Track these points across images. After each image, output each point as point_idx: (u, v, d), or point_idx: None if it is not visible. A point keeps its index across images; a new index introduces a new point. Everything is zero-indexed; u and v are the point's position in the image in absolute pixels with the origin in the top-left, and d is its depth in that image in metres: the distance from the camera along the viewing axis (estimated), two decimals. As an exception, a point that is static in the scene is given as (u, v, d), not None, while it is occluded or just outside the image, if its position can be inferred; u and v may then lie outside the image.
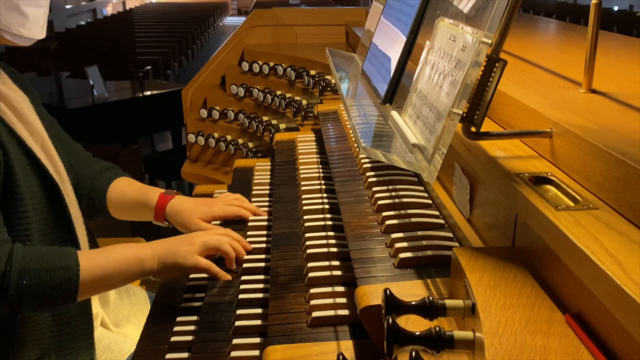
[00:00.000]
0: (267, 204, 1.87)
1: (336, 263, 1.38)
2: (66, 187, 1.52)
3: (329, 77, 2.73)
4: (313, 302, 1.24)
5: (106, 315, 1.67)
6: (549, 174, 0.97)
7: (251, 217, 1.76)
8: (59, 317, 1.44)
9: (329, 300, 1.24)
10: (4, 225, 1.33)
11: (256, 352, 1.25)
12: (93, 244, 1.66)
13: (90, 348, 1.51)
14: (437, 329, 0.78)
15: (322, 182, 1.81)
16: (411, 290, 1.07)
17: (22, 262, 1.29)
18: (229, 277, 1.48)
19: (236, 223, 1.77)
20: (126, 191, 1.75)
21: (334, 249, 1.42)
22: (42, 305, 1.34)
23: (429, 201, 1.40)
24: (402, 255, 1.16)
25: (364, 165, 1.64)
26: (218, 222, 1.81)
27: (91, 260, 1.38)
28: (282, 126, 2.80)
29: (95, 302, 1.63)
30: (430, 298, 0.84)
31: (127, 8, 20.96)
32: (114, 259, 1.42)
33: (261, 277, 1.49)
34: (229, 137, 3.21)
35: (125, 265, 1.42)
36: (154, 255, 1.45)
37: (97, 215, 1.76)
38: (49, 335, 1.42)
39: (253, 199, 1.91)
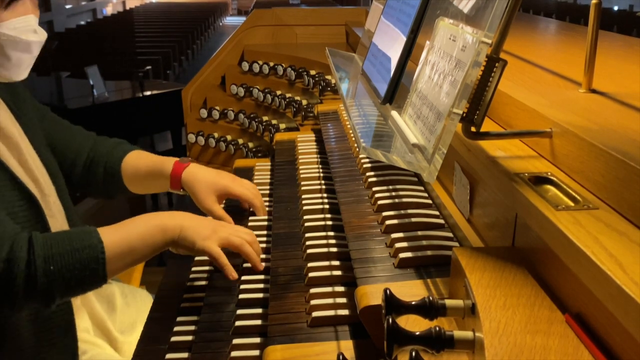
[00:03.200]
0: (267, 204, 1.87)
1: (336, 263, 1.38)
2: (47, 201, 1.48)
3: (329, 77, 2.73)
4: (313, 302, 1.24)
5: (112, 323, 1.66)
6: (549, 174, 0.97)
7: (251, 217, 1.76)
8: (41, 332, 1.41)
9: (329, 300, 1.24)
10: (9, 220, 1.30)
11: (256, 352, 1.25)
12: None
13: None
14: (437, 329, 0.78)
15: (322, 182, 1.81)
16: (411, 290, 1.07)
17: (44, 248, 1.26)
18: (235, 274, 1.43)
19: (238, 215, 1.76)
20: (140, 163, 1.74)
21: (334, 249, 1.42)
22: (72, 288, 1.31)
23: (429, 201, 1.40)
24: (402, 255, 1.16)
25: (364, 165, 1.64)
26: (222, 205, 1.80)
27: (114, 235, 1.36)
28: (282, 126, 2.80)
29: (84, 317, 1.61)
30: (430, 298, 0.84)
31: (127, 8, 20.96)
32: (136, 230, 1.39)
33: (261, 277, 1.49)
34: (229, 137, 3.21)
35: (148, 235, 1.39)
36: (176, 225, 1.42)
37: (116, 191, 1.75)
38: (30, 352, 1.39)
39: (253, 199, 1.91)
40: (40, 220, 1.41)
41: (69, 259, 1.28)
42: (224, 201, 1.82)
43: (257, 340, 1.28)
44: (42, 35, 1.44)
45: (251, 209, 1.77)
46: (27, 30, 1.39)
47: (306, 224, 1.56)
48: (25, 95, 1.60)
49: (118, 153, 1.76)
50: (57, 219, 1.50)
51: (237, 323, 1.33)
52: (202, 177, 1.69)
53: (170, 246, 1.44)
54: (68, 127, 1.76)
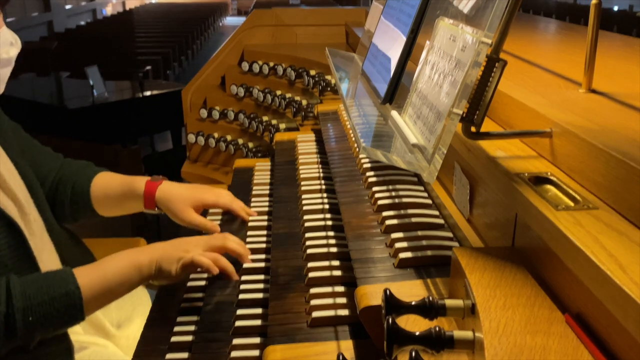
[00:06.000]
0: (267, 204, 1.88)
1: (336, 263, 1.38)
2: (28, 220, 1.45)
3: (329, 77, 2.73)
4: (313, 302, 1.24)
5: (106, 320, 1.66)
6: (549, 174, 0.97)
7: (251, 217, 1.76)
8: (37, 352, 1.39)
9: (329, 301, 1.24)
10: None
11: (256, 352, 1.25)
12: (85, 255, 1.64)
13: None
14: (437, 329, 0.78)
15: (322, 182, 1.81)
16: (411, 290, 1.07)
17: (22, 299, 1.26)
18: (216, 270, 1.47)
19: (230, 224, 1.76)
20: (110, 185, 1.71)
21: (334, 249, 1.42)
22: (52, 331, 1.33)
23: (429, 201, 1.40)
24: (402, 255, 1.16)
25: (364, 165, 1.64)
26: (218, 219, 1.81)
27: (90, 278, 1.36)
28: (282, 126, 2.80)
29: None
30: (430, 298, 0.84)
31: (127, 8, 20.96)
32: (112, 271, 1.40)
33: (261, 277, 1.49)
34: (229, 137, 3.21)
35: (124, 275, 1.41)
36: (151, 261, 1.43)
37: (84, 215, 1.72)
38: (24, 354, 1.38)
39: (253, 199, 1.91)
40: (22, 244, 1.38)
41: (48, 308, 1.28)
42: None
43: (257, 340, 1.28)
44: (19, 44, 1.43)
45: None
46: (6, 45, 1.38)
47: (306, 224, 1.56)
48: None
49: (87, 174, 1.72)
50: (37, 236, 1.47)
51: (237, 323, 1.33)
52: (177, 192, 1.69)
53: (148, 281, 1.46)
54: (38, 146, 1.72)
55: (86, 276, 1.36)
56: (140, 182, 1.71)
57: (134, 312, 1.75)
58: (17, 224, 1.37)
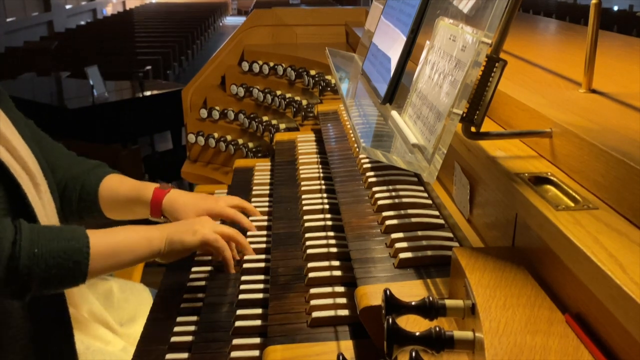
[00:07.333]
0: (267, 204, 1.88)
1: (336, 263, 1.38)
2: (39, 190, 1.44)
3: (329, 77, 2.73)
4: (313, 302, 1.24)
5: (110, 317, 1.66)
6: (549, 174, 0.97)
7: (251, 218, 1.76)
8: (36, 327, 1.39)
9: (329, 301, 1.24)
10: None
11: (256, 352, 1.25)
12: None
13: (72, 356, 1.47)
14: (437, 329, 0.78)
15: (322, 182, 1.82)
16: (411, 290, 1.07)
17: (30, 232, 1.25)
18: (220, 257, 1.49)
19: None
20: (119, 188, 1.70)
21: (334, 249, 1.42)
22: (51, 279, 1.29)
23: (429, 201, 1.40)
24: (402, 255, 1.16)
25: (364, 165, 1.64)
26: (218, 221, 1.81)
27: (100, 236, 1.36)
28: (282, 126, 2.80)
29: (84, 307, 1.60)
30: (430, 298, 0.84)
31: (127, 8, 20.97)
32: (123, 236, 1.41)
33: (261, 277, 1.49)
34: (229, 137, 3.21)
35: (134, 243, 1.41)
36: (162, 236, 1.44)
37: (91, 215, 1.71)
38: (27, 348, 1.38)
39: (253, 199, 1.91)
40: (23, 204, 1.35)
41: (55, 245, 1.27)
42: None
43: (257, 340, 1.28)
44: None
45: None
46: None
47: (306, 224, 1.56)
48: (8, 97, 1.57)
49: (97, 174, 1.70)
50: (47, 210, 1.46)
51: (237, 323, 1.33)
52: (183, 202, 1.67)
53: (156, 257, 1.46)
54: (50, 140, 1.71)
55: (97, 233, 1.36)
56: (148, 188, 1.69)
57: (137, 311, 1.75)
58: (18, 182, 1.35)
